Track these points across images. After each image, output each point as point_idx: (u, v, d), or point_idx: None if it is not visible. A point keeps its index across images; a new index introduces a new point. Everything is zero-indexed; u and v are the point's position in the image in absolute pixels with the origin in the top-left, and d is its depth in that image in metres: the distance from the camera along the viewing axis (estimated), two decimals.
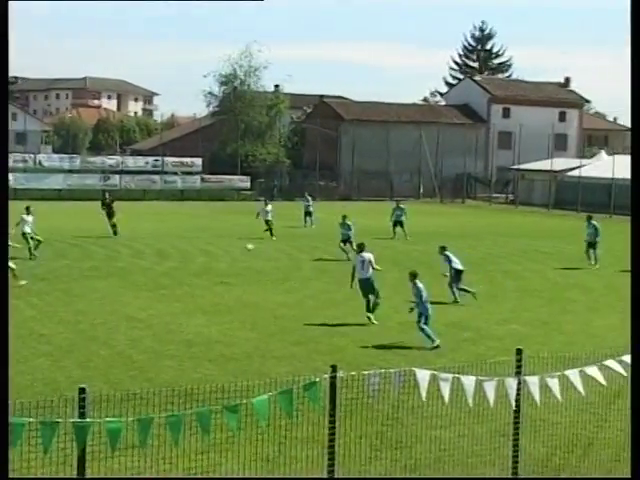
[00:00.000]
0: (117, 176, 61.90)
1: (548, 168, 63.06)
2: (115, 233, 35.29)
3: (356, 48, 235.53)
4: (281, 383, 9.38)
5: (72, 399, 8.21)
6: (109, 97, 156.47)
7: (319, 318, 19.87)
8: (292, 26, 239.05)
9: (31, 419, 7.60)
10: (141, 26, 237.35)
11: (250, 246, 28.96)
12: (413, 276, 17.69)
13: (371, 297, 19.51)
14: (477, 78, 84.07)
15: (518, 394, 9.48)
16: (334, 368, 8.78)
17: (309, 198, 44.33)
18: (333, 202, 59.13)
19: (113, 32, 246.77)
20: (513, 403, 9.47)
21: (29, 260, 27.49)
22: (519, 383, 9.48)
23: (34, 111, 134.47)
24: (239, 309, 20.99)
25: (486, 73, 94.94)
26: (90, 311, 20.24)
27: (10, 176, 45.28)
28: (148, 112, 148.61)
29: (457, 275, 22.42)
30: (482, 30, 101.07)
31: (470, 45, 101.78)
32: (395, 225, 38.03)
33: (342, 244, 30.73)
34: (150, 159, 65.60)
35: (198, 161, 65.56)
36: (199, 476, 9.82)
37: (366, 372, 9.08)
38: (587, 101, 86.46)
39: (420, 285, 17.47)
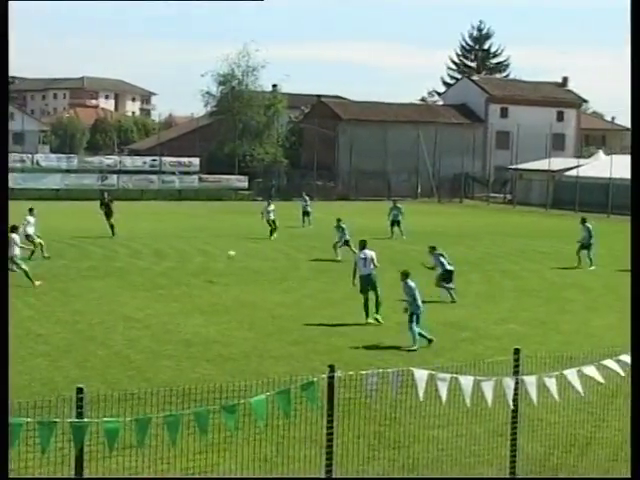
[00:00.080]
0: (115, 176, 61.85)
1: (546, 168, 63.13)
2: (113, 233, 35.28)
3: (354, 48, 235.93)
4: (279, 383, 9.37)
5: (70, 399, 8.21)
6: (107, 97, 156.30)
7: (317, 318, 19.89)
8: (291, 26, 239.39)
9: (29, 419, 7.59)
10: (140, 26, 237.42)
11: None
12: (405, 275, 17.70)
13: (370, 294, 19.51)
14: (475, 78, 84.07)
15: (516, 394, 9.48)
16: (332, 368, 8.78)
17: (307, 198, 44.36)
18: (331, 202, 59.19)
19: (111, 32, 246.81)
20: (511, 403, 9.47)
21: (44, 259, 27.92)
22: (517, 383, 9.48)
23: (32, 111, 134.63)
24: (237, 309, 20.99)
25: (484, 73, 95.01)
26: (88, 311, 20.24)
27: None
28: (146, 112, 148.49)
29: (448, 275, 22.47)
30: (480, 30, 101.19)
31: (468, 45, 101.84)
32: (393, 225, 38.06)
33: (338, 245, 30.57)
34: (148, 159, 65.58)
35: (196, 161, 65.56)
36: (197, 476, 9.82)
37: (364, 372, 9.07)
38: (585, 101, 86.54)
39: (412, 284, 17.46)
